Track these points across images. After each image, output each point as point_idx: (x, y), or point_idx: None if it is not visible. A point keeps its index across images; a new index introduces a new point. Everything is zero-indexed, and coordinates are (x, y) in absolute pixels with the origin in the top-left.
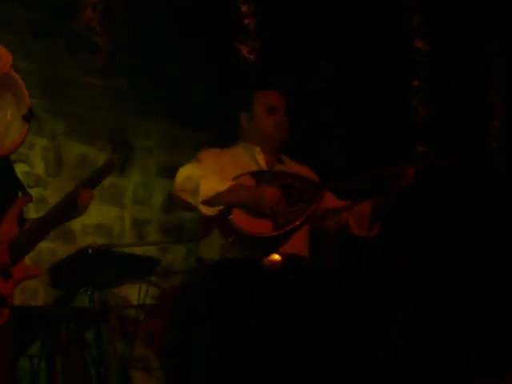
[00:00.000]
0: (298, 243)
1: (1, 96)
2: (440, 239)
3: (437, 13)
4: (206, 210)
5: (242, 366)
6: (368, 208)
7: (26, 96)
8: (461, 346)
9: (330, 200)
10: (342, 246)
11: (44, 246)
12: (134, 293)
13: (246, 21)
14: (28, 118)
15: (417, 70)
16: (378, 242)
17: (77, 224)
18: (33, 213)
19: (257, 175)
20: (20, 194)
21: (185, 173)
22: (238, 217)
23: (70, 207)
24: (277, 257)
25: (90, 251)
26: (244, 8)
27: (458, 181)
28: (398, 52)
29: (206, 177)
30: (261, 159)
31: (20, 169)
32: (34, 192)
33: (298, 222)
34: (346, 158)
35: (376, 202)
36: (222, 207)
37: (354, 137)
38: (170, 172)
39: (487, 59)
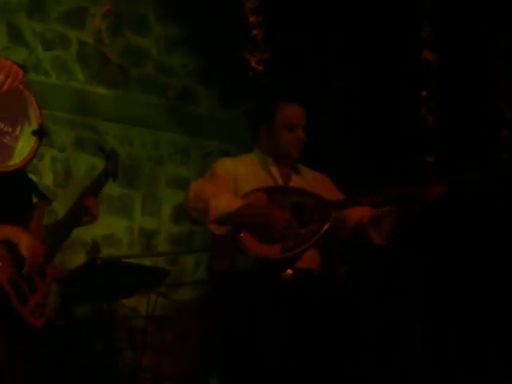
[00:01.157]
0: (311, 258)
1: (11, 111)
2: (448, 246)
3: (446, 23)
4: (216, 229)
5: (255, 374)
6: (390, 218)
7: (37, 113)
8: (463, 345)
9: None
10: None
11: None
12: (143, 304)
13: (255, 31)
14: (38, 134)
15: (425, 81)
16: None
17: (86, 235)
18: None
19: (269, 192)
20: (35, 198)
21: (196, 189)
22: (246, 237)
23: (80, 214)
24: (288, 271)
25: (99, 262)
26: (252, 19)
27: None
28: (407, 62)
29: (216, 196)
30: (274, 171)
31: None
32: None
33: (307, 245)
34: (356, 166)
35: (400, 213)
36: (231, 226)
37: (363, 146)
38: (180, 182)
39: (496, 69)
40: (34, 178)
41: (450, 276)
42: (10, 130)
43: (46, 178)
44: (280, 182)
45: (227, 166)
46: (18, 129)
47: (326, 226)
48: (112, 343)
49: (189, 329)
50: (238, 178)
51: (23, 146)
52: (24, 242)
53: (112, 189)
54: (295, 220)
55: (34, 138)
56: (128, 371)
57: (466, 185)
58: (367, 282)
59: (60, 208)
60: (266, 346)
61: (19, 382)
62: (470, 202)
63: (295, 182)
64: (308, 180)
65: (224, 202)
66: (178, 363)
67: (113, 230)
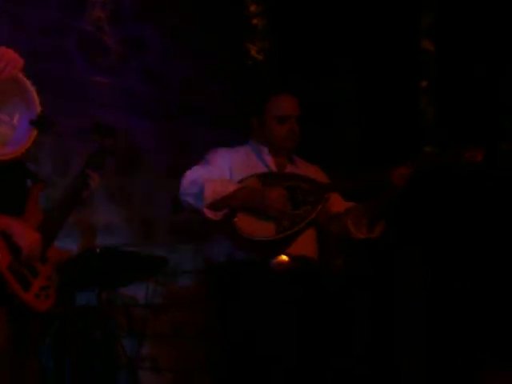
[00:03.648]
0: (307, 245)
1: (9, 99)
2: (448, 240)
3: (445, 14)
4: (210, 214)
5: (251, 365)
6: (363, 210)
7: (36, 102)
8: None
9: (337, 202)
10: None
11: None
12: (142, 292)
13: (255, 21)
14: (36, 124)
15: (425, 71)
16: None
17: (85, 223)
18: None
19: (263, 177)
20: (29, 182)
21: (191, 176)
22: (241, 220)
23: (81, 188)
24: (284, 257)
25: (98, 250)
26: (253, 8)
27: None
28: (407, 53)
29: (211, 181)
30: (269, 160)
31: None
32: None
33: (302, 225)
34: (357, 157)
35: (371, 203)
36: (226, 211)
37: (363, 137)
38: (179, 172)
39: (496, 60)
40: (32, 166)
41: (452, 271)
42: (8, 118)
43: (45, 166)
44: (274, 170)
45: (222, 155)
46: (16, 117)
47: (319, 207)
48: (110, 331)
49: (187, 318)
50: (232, 167)
51: (21, 135)
52: (17, 232)
53: (112, 178)
54: (290, 202)
55: (31, 128)
56: (126, 359)
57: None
58: (363, 275)
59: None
60: (263, 334)
61: (23, 369)
62: (470, 192)
63: (289, 170)
64: (302, 169)
65: (219, 186)
66: (176, 352)
67: (112, 219)
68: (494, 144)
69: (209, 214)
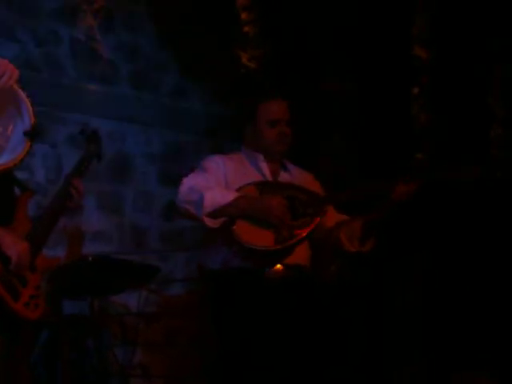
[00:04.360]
0: (300, 253)
1: (3, 110)
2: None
3: (437, 20)
4: (210, 223)
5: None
6: (359, 225)
7: (30, 113)
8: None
9: (331, 214)
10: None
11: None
12: (134, 300)
13: (246, 28)
14: (30, 135)
15: (417, 77)
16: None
17: (73, 231)
18: None
19: (261, 186)
20: (17, 191)
21: (188, 183)
22: (240, 228)
23: (65, 197)
24: (278, 266)
25: (90, 258)
26: (244, 15)
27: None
28: (399, 59)
29: (211, 189)
30: (264, 167)
31: (20, 176)
32: (33, 200)
33: (302, 236)
34: (345, 164)
35: (367, 219)
36: (225, 219)
37: (354, 144)
38: (171, 180)
39: (488, 66)
40: (25, 174)
41: (449, 274)
42: (2, 129)
43: (37, 174)
44: (269, 177)
45: (217, 162)
46: (10, 128)
47: (317, 220)
48: (102, 340)
49: (179, 325)
50: (227, 174)
51: (15, 146)
52: (6, 242)
53: (104, 185)
54: (289, 212)
55: (25, 139)
56: (119, 368)
57: (451, 181)
58: (357, 282)
59: None
60: (258, 341)
61: (16, 379)
62: (465, 198)
63: (283, 177)
64: (295, 176)
65: (219, 194)
66: (168, 360)
67: (103, 226)
68: (484, 150)
69: (208, 222)
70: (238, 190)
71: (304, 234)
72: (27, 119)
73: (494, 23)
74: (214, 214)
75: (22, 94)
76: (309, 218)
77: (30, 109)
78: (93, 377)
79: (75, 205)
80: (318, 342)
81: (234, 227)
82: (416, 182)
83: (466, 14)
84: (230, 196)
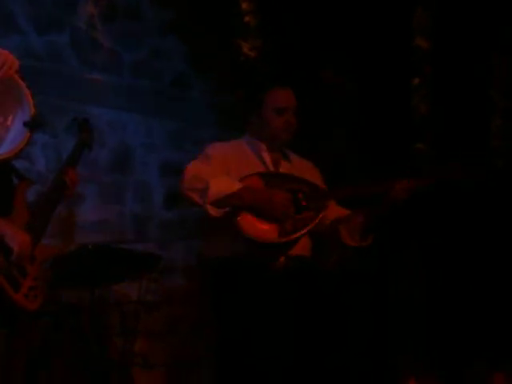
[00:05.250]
0: (302, 244)
1: (3, 101)
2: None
3: (438, 10)
4: (213, 211)
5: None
6: (360, 220)
7: (30, 104)
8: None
9: (333, 208)
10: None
11: (44, 242)
12: (135, 289)
13: (247, 18)
14: (30, 125)
15: (418, 68)
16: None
17: (78, 220)
18: None
19: (265, 177)
20: (15, 180)
21: (193, 170)
22: (244, 220)
23: (61, 187)
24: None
25: (90, 247)
26: (245, 5)
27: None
28: (399, 50)
29: (216, 177)
30: (266, 157)
31: (20, 165)
32: (34, 189)
33: (305, 230)
34: (345, 155)
35: (368, 214)
36: (229, 209)
37: (354, 134)
38: (172, 169)
39: (489, 57)
40: (25, 163)
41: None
42: (2, 119)
43: (38, 163)
44: (271, 167)
45: (219, 150)
46: (10, 119)
47: (321, 215)
48: (103, 329)
49: (180, 314)
50: (229, 162)
51: (14, 136)
52: (8, 233)
53: (104, 174)
54: (293, 206)
55: (25, 129)
56: (119, 357)
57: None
58: (359, 270)
59: None
60: (259, 330)
61: (15, 368)
62: (464, 192)
63: (284, 167)
64: (296, 166)
65: (224, 184)
66: (169, 348)
67: (105, 215)
68: (485, 141)
69: (211, 210)
70: (241, 180)
71: (307, 229)
72: (27, 110)
73: (494, 14)
74: (217, 203)
75: (23, 85)
76: (312, 212)
77: (31, 99)
78: (93, 366)
79: (70, 193)
80: (319, 330)
81: (239, 219)
82: (416, 179)
83: (467, 5)
84: (235, 186)
